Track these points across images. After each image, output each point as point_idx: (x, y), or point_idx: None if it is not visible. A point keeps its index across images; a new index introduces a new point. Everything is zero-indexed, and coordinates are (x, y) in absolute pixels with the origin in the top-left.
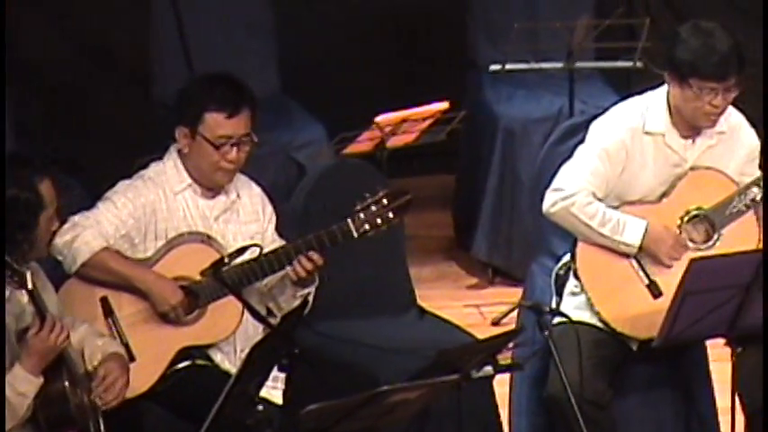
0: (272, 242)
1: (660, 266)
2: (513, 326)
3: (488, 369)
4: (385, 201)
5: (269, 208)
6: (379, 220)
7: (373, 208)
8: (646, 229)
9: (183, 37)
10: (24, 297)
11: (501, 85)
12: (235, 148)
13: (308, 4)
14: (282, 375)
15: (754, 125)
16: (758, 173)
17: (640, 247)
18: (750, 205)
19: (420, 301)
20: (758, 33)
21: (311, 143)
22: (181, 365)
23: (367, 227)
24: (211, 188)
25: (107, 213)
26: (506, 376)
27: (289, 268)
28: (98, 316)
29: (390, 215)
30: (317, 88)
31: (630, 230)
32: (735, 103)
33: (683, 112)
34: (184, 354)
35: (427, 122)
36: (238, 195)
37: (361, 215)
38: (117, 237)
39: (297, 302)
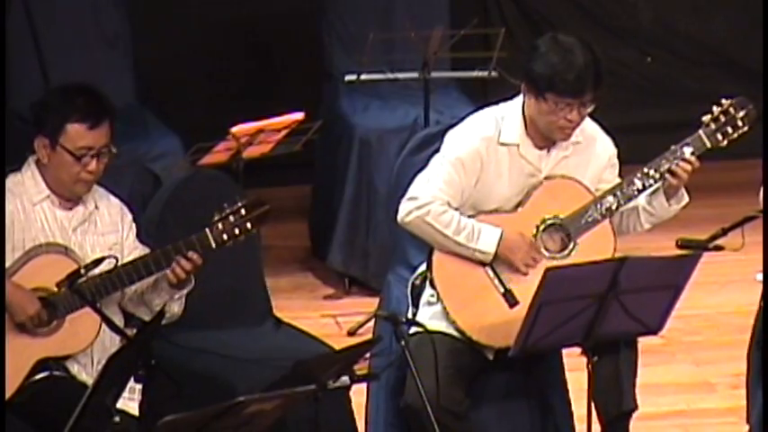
0: (135, 249)
1: (516, 275)
2: (369, 336)
3: (345, 379)
4: (243, 211)
5: (128, 217)
6: (237, 231)
7: (231, 218)
8: (501, 237)
9: (38, 48)
10: None
11: (357, 95)
12: (95, 160)
13: (164, 16)
14: (139, 386)
15: (610, 134)
16: (617, 180)
17: (495, 255)
18: (605, 214)
19: (276, 312)
20: (616, 43)
21: (167, 154)
22: (38, 377)
23: (225, 237)
24: (70, 199)
25: None
26: (363, 386)
27: (167, 270)
28: None
29: (249, 225)
30: (174, 99)
31: (485, 238)
32: (590, 113)
33: (537, 123)
34: (42, 365)
35: (283, 133)
36: (96, 206)
37: (220, 225)
38: None
39: (176, 305)
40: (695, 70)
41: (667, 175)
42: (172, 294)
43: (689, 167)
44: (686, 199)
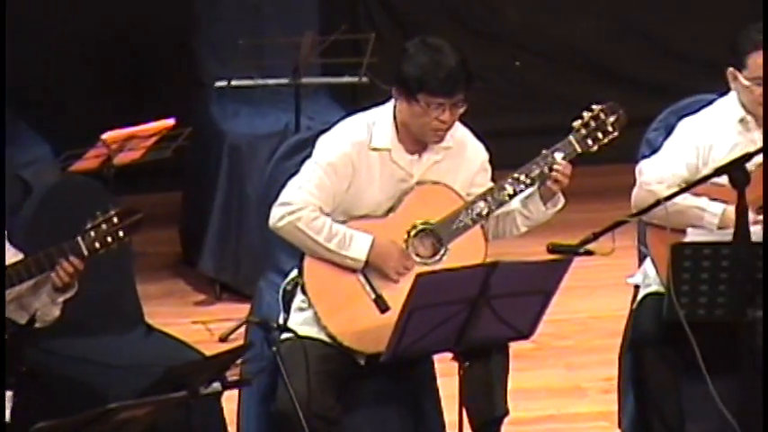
0: (15, 255)
1: (387, 281)
2: (240, 342)
3: (216, 385)
4: (115, 219)
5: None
6: (109, 239)
7: (104, 226)
8: (372, 244)
9: None
10: None
11: (227, 101)
12: None
13: (35, 22)
14: (9, 394)
15: (481, 139)
16: (489, 185)
17: (367, 262)
18: (476, 219)
19: (147, 318)
20: (484, 48)
21: (37, 160)
22: None
23: (97, 245)
24: None
25: None
26: (235, 392)
27: (51, 274)
28: None
29: (121, 234)
30: (45, 106)
31: (357, 245)
32: (461, 119)
33: (410, 127)
34: None
35: (154, 139)
36: None
37: (92, 233)
38: None
39: (57, 309)
40: (564, 75)
41: (548, 182)
42: (54, 298)
43: (567, 172)
44: (562, 202)
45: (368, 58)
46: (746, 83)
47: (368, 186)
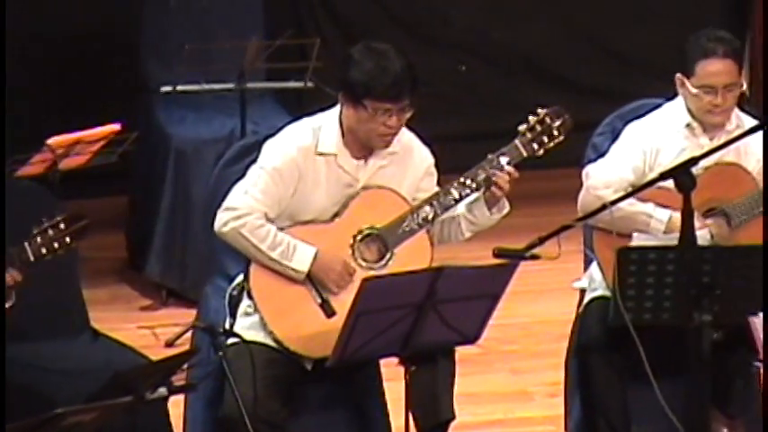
0: None
1: None
2: (187, 347)
3: (163, 390)
4: (62, 225)
5: None
6: (56, 245)
7: (51, 232)
8: (315, 256)
9: None
10: None
11: (173, 106)
12: None
13: None
14: None
15: (427, 144)
16: (435, 189)
17: (309, 274)
18: (422, 224)
19: (94, 323)
20: (430, 52)
21: None
22: None
23: (44, 251)
24: None
25: None
26: (181, 397)
27: None
28: None
29: (68, 240)
30: None
31: (300, 256)
32: (407, 123)
33: (357, 132)
34: None
35: (100, 144)
36: None
37: (38, 239)
38: None
39: None
40: (510, 79)
41: (492, 189)
42: None
43: (510, 179)
44: (507, 207)
45: (313, 63)
46: (694, 90)
47: (314, 191)
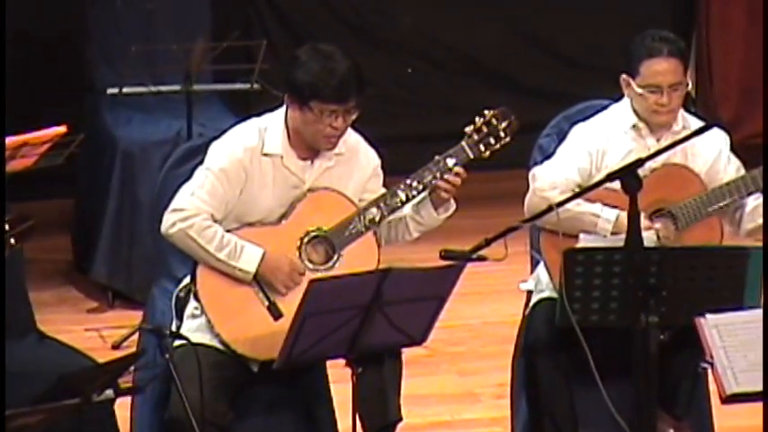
0: None
1: None
2: (133, 349)
3: (109, 393)
4: (7, 227)
5: None
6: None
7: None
8: (262, 257)
9: None
10: None
11: (119, 108)
12: None
13: None
14: None
15: (373, 145)
16: (382, 190)
17: (256, 274)
18: (369, 226)
19: (40, 326)
20: (377, 54)
21: None
22: None
23: None
24: None
25: None
26: (128, 400)
27: None
28: None
29: (12, 241)
30: None
31: (247, 257)
32: (353, 125)
33: (303, 134)
34: None
35: (46, 146)
36: None
37: None
38: None
39: None
40: (456, 81)
41: (439, 190)
42: None
43: (458, 180)
44: (453, 207)
45: (259, 64)
46: (639, 90)
47: (260, 192)
